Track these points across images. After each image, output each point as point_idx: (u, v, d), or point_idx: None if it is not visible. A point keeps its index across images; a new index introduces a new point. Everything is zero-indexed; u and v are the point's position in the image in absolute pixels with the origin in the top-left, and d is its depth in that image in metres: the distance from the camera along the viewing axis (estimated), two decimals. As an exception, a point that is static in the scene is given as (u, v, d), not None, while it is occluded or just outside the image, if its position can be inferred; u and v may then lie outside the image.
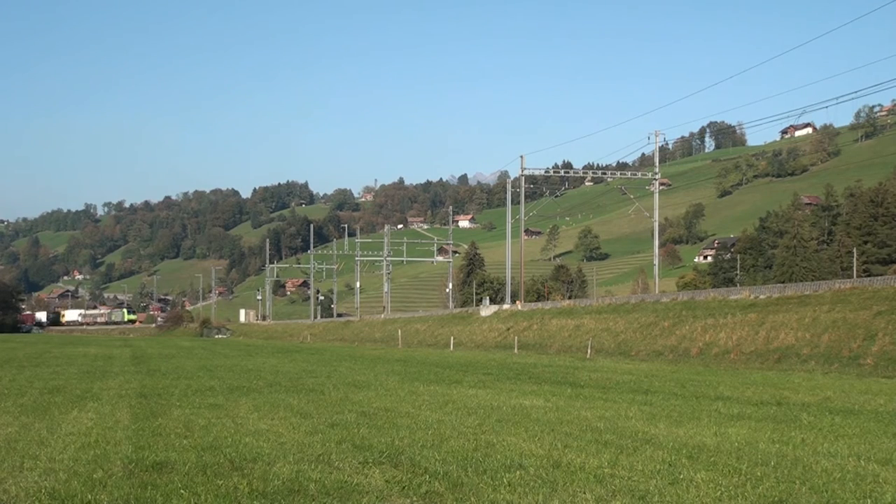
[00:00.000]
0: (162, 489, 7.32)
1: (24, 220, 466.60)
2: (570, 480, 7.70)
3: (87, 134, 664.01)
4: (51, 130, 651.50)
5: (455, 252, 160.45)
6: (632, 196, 74.67)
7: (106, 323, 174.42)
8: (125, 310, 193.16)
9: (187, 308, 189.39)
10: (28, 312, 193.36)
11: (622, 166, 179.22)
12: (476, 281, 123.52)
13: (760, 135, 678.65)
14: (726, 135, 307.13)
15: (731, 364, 31.20)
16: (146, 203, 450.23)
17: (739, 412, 13.73)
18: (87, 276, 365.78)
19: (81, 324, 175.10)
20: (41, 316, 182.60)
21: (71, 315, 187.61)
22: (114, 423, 11.86)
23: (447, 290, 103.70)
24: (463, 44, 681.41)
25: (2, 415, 12.92)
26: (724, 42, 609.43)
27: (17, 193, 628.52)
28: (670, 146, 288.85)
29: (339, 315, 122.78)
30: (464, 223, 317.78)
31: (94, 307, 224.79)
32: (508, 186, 69.41)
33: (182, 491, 7.24)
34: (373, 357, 38.22)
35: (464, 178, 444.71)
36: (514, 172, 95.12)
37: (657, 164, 61.15)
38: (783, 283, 65.21)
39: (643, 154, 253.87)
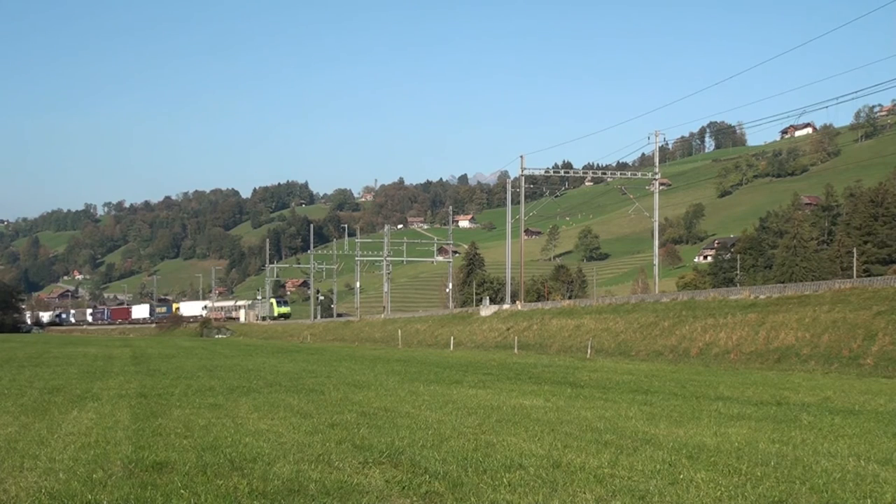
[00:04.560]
0: (162, 489, 7.32)
1: (24, 220, 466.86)
2: (570, 480, 7.70)
3: (86, 134, 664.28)
4: (51, 130, 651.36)
5: (455, 252, 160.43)
6: (632, 196, 74.62)
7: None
8: (274, 301, 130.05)
9: None
10: (125, 306, 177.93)
11: (622, 166, 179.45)
12: (476, 281, 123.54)
13: (760, 135, 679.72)
14: (726, 135, 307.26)
15: (731, 364, 31.19)
16: (146, 203, 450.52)
17: (739, 412, 13.73)
18: (87, 276, 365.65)
19: (208, 319, 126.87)
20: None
21: (188, 308, 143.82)
22: (114, 423, 11.86)
23: (447, 290, 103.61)
24: (463, 44, 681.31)
25: (2, 415, 12.93)
26: (724, 42, 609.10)
27: (17, 193, 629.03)
28: (670, 146, 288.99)
29: (339, 315, 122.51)
30: (464, 223, 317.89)
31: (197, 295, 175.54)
32: (508, 186, 69.36)
33: (182, 491, 7.24)
34: (373, 357, 38.21)
35: (464, 178, 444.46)
36: (514, 172, 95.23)
37: (657, 164, 61.11)
38: (783, 283, 65.17)
39: (643, 154, 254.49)
